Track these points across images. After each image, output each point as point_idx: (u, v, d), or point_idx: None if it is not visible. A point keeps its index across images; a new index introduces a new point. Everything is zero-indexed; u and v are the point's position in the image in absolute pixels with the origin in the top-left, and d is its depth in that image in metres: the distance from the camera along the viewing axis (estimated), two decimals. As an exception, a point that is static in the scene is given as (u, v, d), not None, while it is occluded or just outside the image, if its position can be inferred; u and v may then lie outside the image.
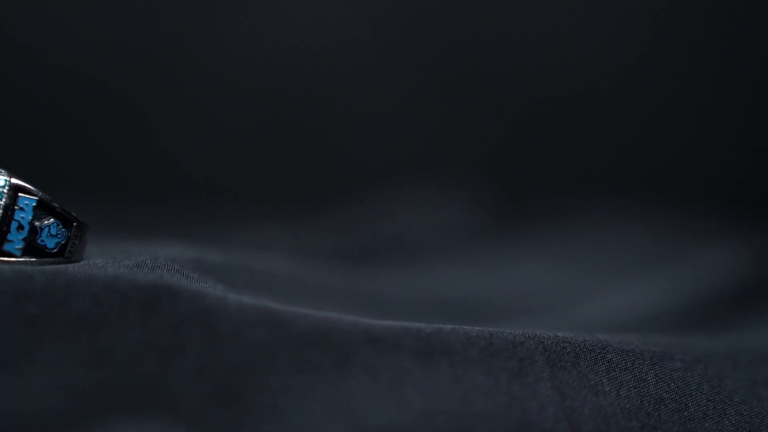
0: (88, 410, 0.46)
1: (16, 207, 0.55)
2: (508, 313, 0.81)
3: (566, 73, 1.39)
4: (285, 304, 0.55)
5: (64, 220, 0.56)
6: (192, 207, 1.16)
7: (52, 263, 0.55)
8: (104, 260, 0.57)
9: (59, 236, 0.56)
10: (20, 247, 0.55)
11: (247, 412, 0.47)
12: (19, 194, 0.55)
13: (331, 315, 0.53)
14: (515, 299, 0.87)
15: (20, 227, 0.55)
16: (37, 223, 0.55)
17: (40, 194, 0.55)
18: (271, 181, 1.31)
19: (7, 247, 0.55)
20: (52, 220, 0.56)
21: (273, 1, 1.35)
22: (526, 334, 0.54)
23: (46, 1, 1.27)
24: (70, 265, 0.54)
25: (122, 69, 1.29)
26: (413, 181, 1.27)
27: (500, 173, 1.36)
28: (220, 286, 0.58)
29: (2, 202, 0.54)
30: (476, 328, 0.54)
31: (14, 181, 0.55)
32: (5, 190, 0.54)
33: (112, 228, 0.74)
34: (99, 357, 0.47)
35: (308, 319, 0.51)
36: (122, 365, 0.47)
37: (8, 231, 0.54)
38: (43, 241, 0.55)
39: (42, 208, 0.55)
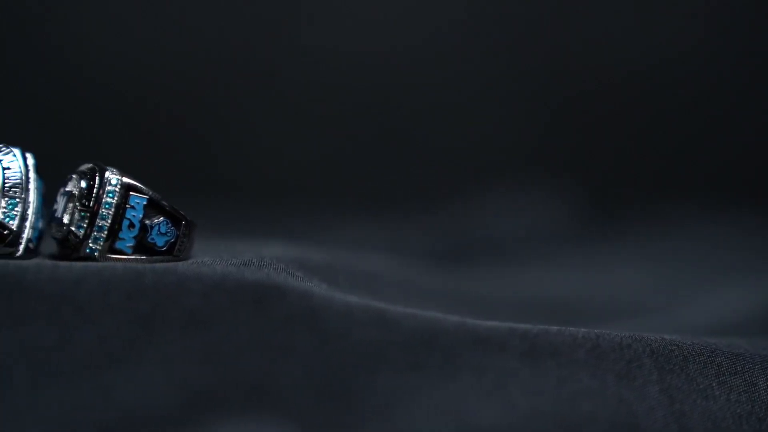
0: (199, 407, 0.46)
1: (127, 205, 0.55)
2: (607, 315, 0.80)
3: (658, 73, 1.37)
4: (388, 303, 0.55)
5: (173, 218, 0.57)
6: (291, 207, 1.17)
7: (162, 261, 0.56)
8: (211, 259, 0.57)
9: (168, 234, 0.57)
10: (131, 245, 0.56)
11: (356, 412, 0.47)
12: (131, 193, 0.56)
13: (437, 315, 0.53)
14: (613, 301, 0.86)
15: (131, 225, 0.56)
16: (147, 222, 0.56)
17: (150, 193, 0.56)
18: (367, 183, 1.31)
19: (118, 245, 0.55)
20: (161, 218, 0.56)
21: (360, 6, 1.35)
22: (633, 337, 0.54)
23: (150, 11, 1.29)
24: (180, 264, 0.55)
25: (224, 73, 1.30)
26: (508, 183, 1.26)
27: (595, 175, 1.34)
28: (324, 285, 0.58)
29: (114, 201, 0.55)
30: (582, 329, 0.54)
31: (126, 180, 0.56)
32: (117, 189, 0.55)
33: (215, 227, 0.75)
34: (210, 355, 0.48)
35: (415, 319, 0.51)
36: (233, 363, 0.47)
37: (120, 229, 0.55)
38: (153, 239, 0.56)
39: (152, 207, 0.56)
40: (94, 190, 0.55)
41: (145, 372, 0.47)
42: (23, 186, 0.55)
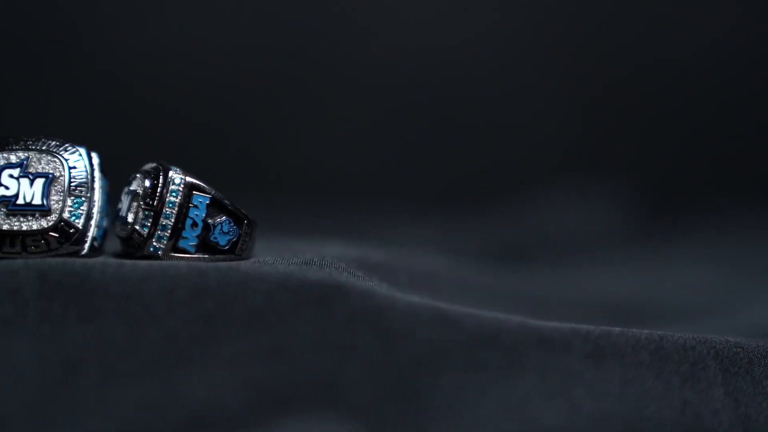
0: (265, 406, 0.46)
1: (190, 205, 0.56)
2: (667, 316, 0.80)
3: (720, 70, 1.36)
4: (449, 303, 0.55)
5: (236, 217, 0.57)
6: (349, 206, 1.17)
7: (224, 260, 0.56)
8: (273, 258, 0.58)
9: (231, 234, 0.57)
10: (194, 243, 0.56)
11: (421, 412, 0.47)
12: (194, 192, 0.56)
13: (499, 315, 0.52)
14: (673, 303, 0.86)
15: (194, 224, 0.56)
16: (210, 221, 0.56)
17: (213, 192, 0.57)
18: (424, 183, 1.31)
19: (181, 243, 0.56)
20: (224, 217, 0.57)
21: (418, 3, 1.36)
22: (697, 338, 0.53)
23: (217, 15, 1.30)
24: (242, 263, 0.55)
25: (283, 72, 1.31)
26: (565, 183, 1.26)
27: (654, 175, 1.33)
28: (384, 285, 0.58)
29: (178, 200, 0.56)
30: (645, 331, 0.54)
31: (189, 179, 0.56)
32: (181, 188, 0.56)
33: (272, 226, 0.75)
34: (275, 353, 0.48)
35: (477, 319, 0.51)
36: (298, 362, 0.48)
37: (183, 228, 0.56)
38: (215, 238, 0.57)
39: (215, 206, 0.57)
40: (158, 190, 0.55)
41: (212, 371, 0.47)
42: (89, 185, 0.55)
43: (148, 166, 0.57)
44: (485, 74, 1.34)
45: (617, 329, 0.53)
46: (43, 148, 0.55)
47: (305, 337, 0.49)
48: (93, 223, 0.55)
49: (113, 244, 0.59)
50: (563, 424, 0.47)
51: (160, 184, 0.56)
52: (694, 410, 0.49)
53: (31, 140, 0.55)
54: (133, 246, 0.56)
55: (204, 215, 0.56)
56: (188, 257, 0.56)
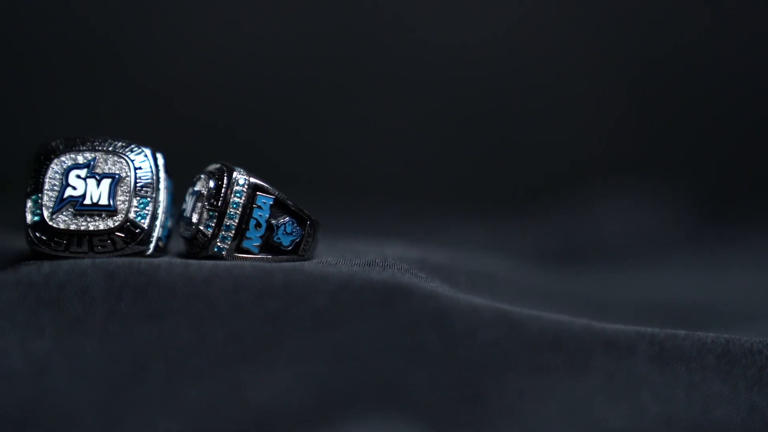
0: (330, 406, 0.47)
1: (254, 205, 0.56)
2: (727, 319, 0.79)
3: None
4: (510, 305, 0.55)
5: (299, 218, 0.57)
6: (408, 208, 1.17)
7: (287, 261, 0.57)
8: (335, 258, 0.58)
9: (294, 234, 0.57)
10: (258, 244, 0.56)
11: (485, 413, 0.47)
12: (258, 193, 0.56)
13: (563, 317, 0.52)
14: (732, 305, 0.85)
15: (258, 225, 0.56)
16: (273, 221, 0.57)
17: (276, 193, 0.57)
18: (481, 184, 1.31)
19: (245, 244, 0.56)
20: (287, 218, 0.57)
21: (475, 4, 1.35)
22: (764, 342, 0.53)
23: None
24: (305, 263, 0.55)
25: (343, 74, 1.31)
26: (621, 183, 1.25)
27: (709, 172, 1.32)
28: (446, 286, 0.58)
29: (242, 201, 0.56)
30: (710, 334, 0.53)
31: (253, 180, 0.56)
32: (245, 189, 0.56)
33: (332, 226, 0.76)
34: (339, 354, 0.48)
35: (540, 321, 0.51)
36: (362, 363, 0.48)
37: (247, 228, 0.56)
38: (278, 238, 0.57)
39: (278, 207, 0.57)
40: (222, 190, 0.56)
41: (277, 371, 0.47)
42: (154, 185, 0.56)
43: (213, 166, 0.57)
44: (541, 76, 1.34)
45: (682, 332, 0.53)
46: (110, 149, 0.56)
47: (369, 338, 0.49)
48: (158, 223, 0.56)
49: (177, 245, 0.59)
50: (628, 427, 0.47)
51: (224, 185, 0.56)
52: (762, 415, 0.49)
53: (98, 141, 0.56)
54: (197, 246, 0.56)
55: (267, 216, 0.56)
56: (252, 258, 0.56)
